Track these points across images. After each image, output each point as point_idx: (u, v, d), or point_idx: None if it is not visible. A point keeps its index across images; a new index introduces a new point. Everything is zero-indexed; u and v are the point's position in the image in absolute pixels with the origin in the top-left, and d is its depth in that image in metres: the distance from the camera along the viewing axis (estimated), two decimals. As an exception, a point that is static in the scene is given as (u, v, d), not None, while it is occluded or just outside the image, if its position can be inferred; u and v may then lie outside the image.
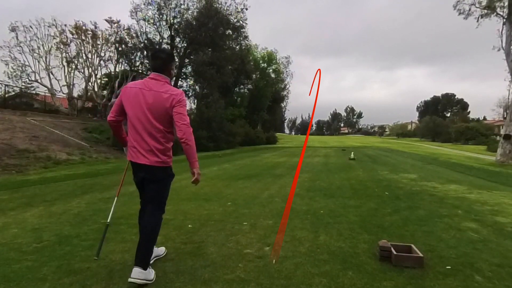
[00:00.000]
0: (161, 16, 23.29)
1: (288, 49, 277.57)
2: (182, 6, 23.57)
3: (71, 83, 22.45)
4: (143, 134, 2.26)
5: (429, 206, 4.75)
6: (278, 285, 2.16)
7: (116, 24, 22.88)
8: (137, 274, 2.10)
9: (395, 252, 2.52)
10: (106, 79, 25.69)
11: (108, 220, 2.46)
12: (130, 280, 2.09)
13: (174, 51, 24.17)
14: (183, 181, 7.14)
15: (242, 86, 34.48)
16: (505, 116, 20.48)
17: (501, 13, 16.53)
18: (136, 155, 2.29)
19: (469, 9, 17.32)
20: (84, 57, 22.78)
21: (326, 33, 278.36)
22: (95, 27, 22.80)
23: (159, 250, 2.65)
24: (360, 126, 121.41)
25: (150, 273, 2.20)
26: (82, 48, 22.53)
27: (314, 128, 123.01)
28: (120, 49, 22.79)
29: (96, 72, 23.77)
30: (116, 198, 2.56)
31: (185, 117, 2.22)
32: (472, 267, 2.50)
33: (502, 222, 3.87)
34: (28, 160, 9.84)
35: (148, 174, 2.30)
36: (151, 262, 2.36)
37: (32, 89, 21.03)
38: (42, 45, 21.07)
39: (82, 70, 22.98)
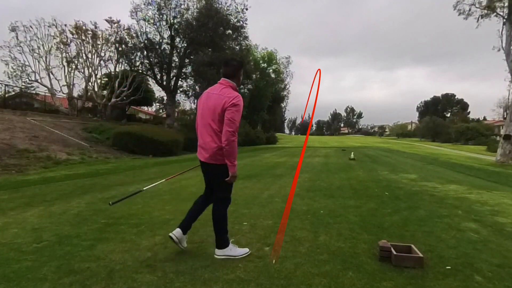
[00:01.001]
0: (161, 16, 23.28)
1: (288, 49, 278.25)
2: (182, 6, 23.58)
3: (71, 83, 22.49)
4: (203, 134, 2.57)
5: (429, 206, 4.75)
6: (278, 285, 2.16)
7: (116, 24, 22.93)
8: (217, 252, 2.61)
9: (395, 252, 2.52)
10: (106, 79, 25.72)
11: (144, 189, 2.86)
12: (215, 256, 2.59)
13: (174, 51, 24.19)
14: (183, 181, 7.15)
15: (242, 86, 34.45)
16: (505, 116, 20.50)
17: (501, 13, 16.55)
18: (199, 153, 2.64)
19: (469, 9, 17.37)
20: (84, 57, 22.84)
21: (326, 33, 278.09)
22: (95, 27, 22.88)
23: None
24: (360, 126, 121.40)
25: (232, 250, 2.61)
26: (82, 48, 22.58)
27: (314, 128, 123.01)
28: (120, 49, 22.79)
29: (96, 72, 23.83)
30: (163, 180, 3.08)
31: (233, 123, 2.38)
32: (472, 267, 2.50)
33: (502, 222, 3.86)
34: (28, 160, 9.85)
35: (207, 170, 2.65)
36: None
37: (32, 89, 21.07)
38: (42, 45, 21.13)
39: (82, 70, 23.04)
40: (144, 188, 2.87)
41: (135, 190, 2.89)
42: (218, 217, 2.65)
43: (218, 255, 2.60)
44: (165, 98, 25.82)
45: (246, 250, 2.70)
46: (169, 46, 24.10)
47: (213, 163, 2.52)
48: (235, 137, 2.39)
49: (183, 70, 25.03)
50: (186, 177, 7.88)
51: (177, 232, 2.65)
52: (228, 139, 2.37)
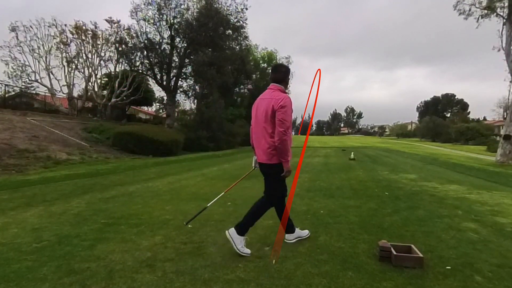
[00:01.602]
0: (161, 16, 23.22)
1: (288, 49, 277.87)
2: (182, 6, 23.51)
3: (71, 83, 22.43)
4: (258, 136, 2.77)
5: (429, 206, 4.75)
6: (278, 285, 2.16)
7: (116, 24, 22.86)
8: (231, 231, 2.71)
9: (395, 252, 2.52)
10: (106, 79, 25.68)
11: (208, 205, 3.15)
12: (226, 231, 2.74)
13: (174, 51, 24.17)
14: (183, 181, 7.15)
15: (242, 86, 34.45)
16: (505, 116, 20.49)
17: (501, 14, 16.52)
18: (256, 154, 2.84)
19: (469, 10, 17.30)
20: (84, 57, 22.77)
21: (325, 33, 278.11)
22: (95, 27, 22.80)
23: (302, 232, 3.10)
24: (360, 126, 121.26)
25: (241, 244, 2.66)
26: (82, 48, 22.52)
27: (314, 128, 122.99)
28: (120, 49, 22.73)
29: (96, 72, 23.77)
30: (223, 193, 3.36)
31: (284, 123, 2.55)
32: (472, 267, 2.50)
33: (502, 223, 3.87)
34: (28, 160, 9.84)
35: (263, 170, 2.83)
36: (294, 241, 2.99)
37: (32, 89, 21.00)
38: (42, 45, 21.04)
39: (82, 70, 22.97)
40: (208, 205, 3.13)
41: (201, 209, 3.26)
42: (258, 210, 2.80)
43: (229, 233, 2.70)
44: (165, 98, 25.77)
45: (248, 251, 2.71)
46: (169, 46, 24.05)
47: (266, 162, 2.71)
48: (286, 136, 2.57)
49: (183, 70, 24.97)
50: (186, 177, 7.88)
51: (290, 236, 3.01)
52: (281, 138, 2.55)
